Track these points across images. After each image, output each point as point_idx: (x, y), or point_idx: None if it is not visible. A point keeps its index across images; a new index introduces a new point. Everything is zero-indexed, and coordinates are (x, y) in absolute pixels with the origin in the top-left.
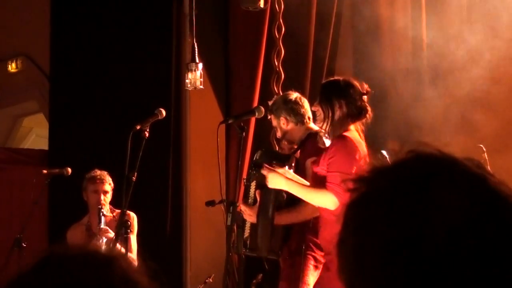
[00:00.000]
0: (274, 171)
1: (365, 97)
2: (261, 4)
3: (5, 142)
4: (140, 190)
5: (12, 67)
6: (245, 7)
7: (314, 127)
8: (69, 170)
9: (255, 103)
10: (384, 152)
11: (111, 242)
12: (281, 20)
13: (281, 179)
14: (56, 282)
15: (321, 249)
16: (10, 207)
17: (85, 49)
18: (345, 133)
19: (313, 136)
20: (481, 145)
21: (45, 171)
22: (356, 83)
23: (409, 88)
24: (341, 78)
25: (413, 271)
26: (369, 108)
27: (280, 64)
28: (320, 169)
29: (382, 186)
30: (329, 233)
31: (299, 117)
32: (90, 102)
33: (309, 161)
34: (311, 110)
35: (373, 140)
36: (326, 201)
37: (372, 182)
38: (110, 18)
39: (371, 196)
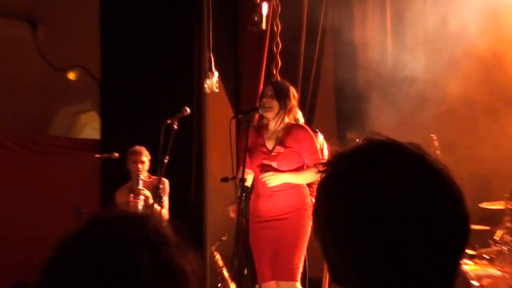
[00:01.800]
0: (272, 176)
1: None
2: (263, 26)
3: (67, 133)
4: (170, 170)
5: (71, 76)
6: (251, 28)
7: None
8: (116, 154)
9: (258, 103)
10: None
11: (147, 199)
12: (278, 39)
13: (281, 178)
14: (101, 237)
15: None
16: (70, 184)
17: (127, 61)
18: (299, 123)
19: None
20: (432, 135)
21: (97, 156)
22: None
23: (377, 98)
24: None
25: (371, 230)
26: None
27: (277, 73)
28: (290, 150)
29: (344, 167)
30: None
31: None
32: (132, 101)
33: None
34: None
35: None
36: (312, 176)
37: (336, 164)
38: (148, 37)
39: (336, 176)
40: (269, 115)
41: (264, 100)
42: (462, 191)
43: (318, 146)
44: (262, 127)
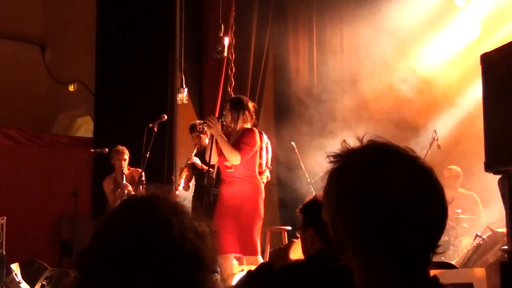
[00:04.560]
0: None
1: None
2: (225, 54)
3: (66, 132)
4: (151, 161)
5: (71, 88)
6: (215, 56)
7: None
8: (106, 150)
9: (217, 114)
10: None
11: (129, 191)
12: (232, 64)
13: (216, 129)
14: (150, 210)
15: None
16: (68, 172)
17: (116, 77)
18: (250, 127)
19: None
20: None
21: (92, 150)
22: (250, 103)
23: (303, 109)
24: (244, 98)
25: (374, 214)
26: (254, 116)
27: (231, 90)
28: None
29: (353, 160)
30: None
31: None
32: (119, 109)
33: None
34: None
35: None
36: (235, 156)
37: (346, 157)
38: (133, 60)
39: (346, 167)
40: (226, 122)
41: (224, 112)
42: (443, 187)
43: (257, 144)
44: (230, 135)
